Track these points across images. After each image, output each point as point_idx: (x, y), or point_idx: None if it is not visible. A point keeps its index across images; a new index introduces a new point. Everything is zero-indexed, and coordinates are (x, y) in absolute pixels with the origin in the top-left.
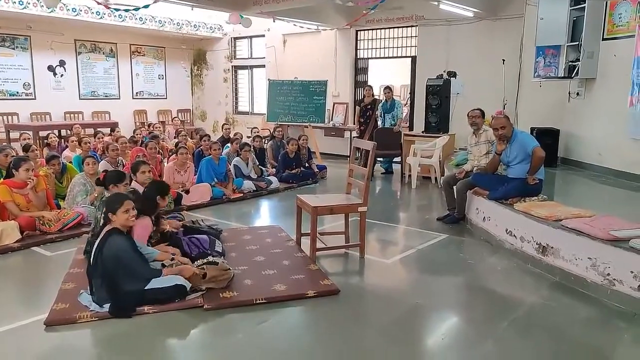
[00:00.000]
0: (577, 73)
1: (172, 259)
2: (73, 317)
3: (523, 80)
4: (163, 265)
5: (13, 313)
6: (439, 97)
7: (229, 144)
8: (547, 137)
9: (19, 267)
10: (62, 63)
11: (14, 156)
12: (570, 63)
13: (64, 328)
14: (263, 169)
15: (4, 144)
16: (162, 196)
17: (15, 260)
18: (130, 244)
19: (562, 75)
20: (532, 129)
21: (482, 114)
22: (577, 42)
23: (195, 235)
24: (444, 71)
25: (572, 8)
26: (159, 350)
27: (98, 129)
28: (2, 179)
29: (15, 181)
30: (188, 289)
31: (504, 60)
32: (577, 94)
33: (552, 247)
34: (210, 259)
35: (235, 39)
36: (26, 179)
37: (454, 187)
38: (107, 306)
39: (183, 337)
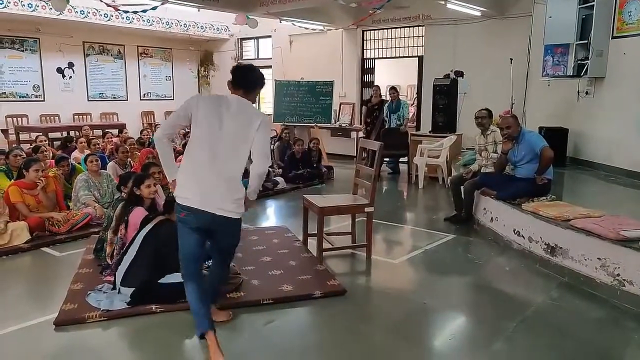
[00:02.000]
0: (586, 72)
1: None
2: (82, 317)
3: (531, 80)
4: None
5: (23, 313)
6: (446, 96)
7: None
8: (556, 136)
9: (28, 268)
10: (70, 65)
11: (24, 157)
12: (579, 62)
13: (73, 328)
14: (270, 169)
15: (13, 145)
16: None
17: (25, 260)
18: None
19: (571, 74)
20: (540, 129)
21: (490, 114)
22: (586, 41)
23: None
24: (451, 71)
25: (581, 6)
26: (166, 350)
27: (106, 130)
28: (13, 180)
29: (26, 182)
30: None
31: (511, 59)
32: (587, 92)
33: (560, 248)
34: None
35: (242, 39)
36: (36, 179)
37: (462, 187)
38: (118, 304)
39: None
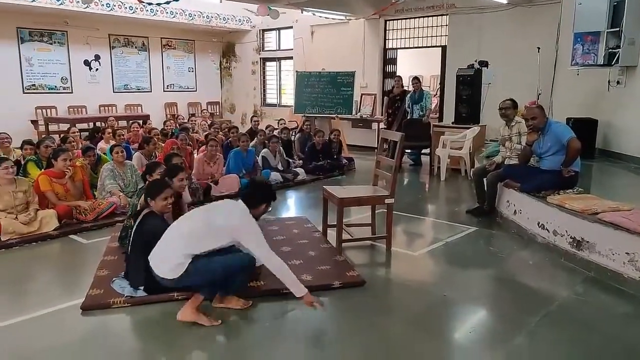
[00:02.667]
0: (617, 60)
1: None
2: (107, 302)
3: (559, 69)
4: None
5: (52, 297)
6: (469, 87)
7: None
8: (585, 127)
9: (57, 254)
10: (97, 57)
11: (53, 148)
12: (610, 50)
13: (99, 312)
14: (290, 160)
15: (43, 135)
16: (170, 177)
17: (54, 247)
18: (165, 226)
19: (602, 63)
20: (568, 119)
21: (514, 104)
22: (618, 28)
23: None
24: (475, 60)
25: None
26: (187, 335)
27: (132, 121)
28: (43, 170)
29: (55, 171)
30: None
31: (539, 48)
32: (617, 82)
33: (587, 242)
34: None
35: (264, 30)
36: (64, 168)
37: (484, 179)
38: (142, 289)
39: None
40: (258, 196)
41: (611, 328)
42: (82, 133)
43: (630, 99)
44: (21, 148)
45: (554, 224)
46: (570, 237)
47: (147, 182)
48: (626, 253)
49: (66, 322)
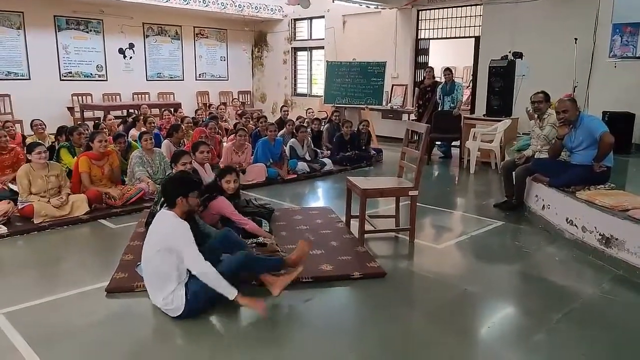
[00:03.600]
0: None
1: None
2: (130, 285)
3: (596, 61)
4: None
5: (79, 279)
6: (502, 79)
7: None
8: (621, 121)
9: (86, 238)
10: (131, 46)
11: (86, 136)
12: None
13: (123, 295)
14: (318, 151)
15: (78, 122)
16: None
17: (84, 231)
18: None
19: None
20: (604, 113)
21: (547, 97)
22: None
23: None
24: (509, 52)
25: None
26: (206, 321)
27: (164, 109)
28: (82, 152)
29: (95, 153)
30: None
31: (576, 39)
32: None
33: (616, 239)
34: (261, 239)
35: (295, 20)
36: (100, 148)
37: (513, 173)
38: None
39: (231, 310)
40: (169, 194)
41: (637, 328)
42: (115, 120)
43: None
44: (57, 135)
45: (582, 220)
46: (599, 234)
47: (172, 170)
48: None
49: (91, 303)
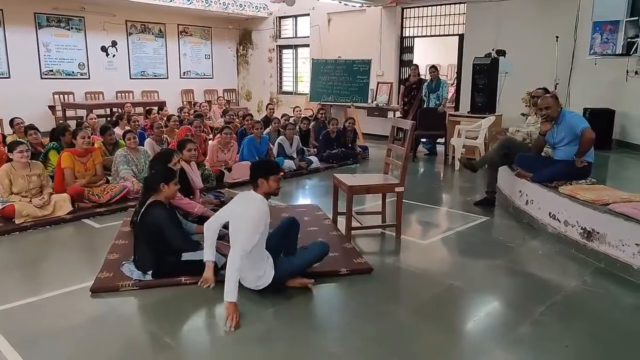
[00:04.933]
0: (636, 50)
1: None
2: (116, 285)
3: (577, 59)
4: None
5: (62, 280)
6: (485, 76)
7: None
8: (601, 118)
9: (69, 238)
10: (114, 43)
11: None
12: (629, 39)
13: (108, 295)
14: (304, 149)
15: (60, 121)
16: (166, 183)
17: (67, 230)
18: (170, 216)
19: (620, 53)
20: (585, 110)
21: (547, 93)
22: (637, 17)
23: None
24: (493, 49)
25: None
26: (195, 319)
27: (149, 108)
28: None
29: (78, 150)
30: (220, 264)
31: (557, 37)
32: (636, 72)
33: (597, 232)
34: None
35: (280, 18)
36: (83, 145)
37: (499, 170)
38: (150, 273)
39: (219, 308)
40: (254, 175)
41: (618, 319)
42: (99, 119)
43: None
44: (51, 139)
45: (565, 214)
46: (581, 228)
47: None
48: (636, 244)
49: (75, 304)
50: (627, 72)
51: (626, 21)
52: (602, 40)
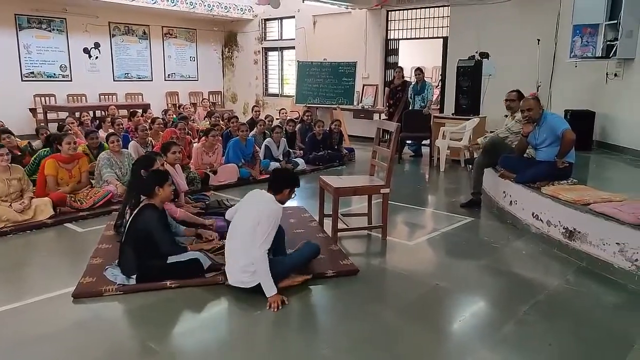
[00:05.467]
0: (615, 53)
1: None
2: (99, 290)
3: (558, 61)
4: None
5: (43, 286)
6: (469, 78)
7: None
8: (582, 119)
9: (51, 242)
10: (97, 45)
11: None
12: (608, 42)
13: (91, 300)
14: (290, 151)
15: (41, 124)
16: (161, 185)
17: (49, 235)
18: (163, 220)
19: (600, 55)
20: (566, 111)
21: (520, 96)
22: (616, 21)
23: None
24: (476, 52)
25: None
26: (180, 324)
27: (133, 110)
28: (50, 154)
29: (63, 156)
30: (205, 265)
31: (539, 40)
32: (615, 74)
33: (579, 232)
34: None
35: (266, 20)
36: (69, 151)
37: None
38: (134, 277)
39: (205, 312)
40: (280, 182)
41: (600, 316)
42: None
43: (628, 91)
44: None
45: (547, 214)
46: (563, 228)
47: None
48: (616, 243)
49: (57, 310)
50: (606, 74)
51: (605, 24)
52: (582, 44)
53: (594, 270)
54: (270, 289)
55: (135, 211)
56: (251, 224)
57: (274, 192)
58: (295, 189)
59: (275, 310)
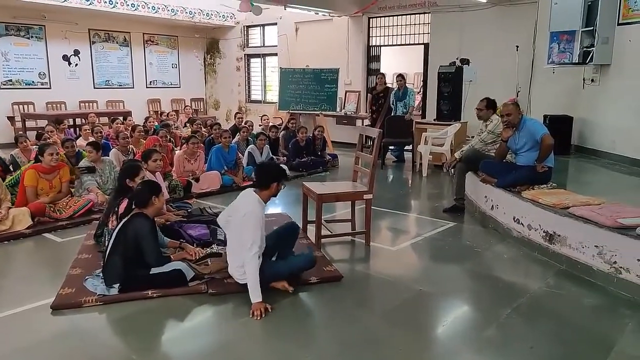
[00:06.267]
0: (591, 59)
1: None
2: (78, 301)
3: (536, 67)
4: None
5: (20, 298)
6: (450, 84)
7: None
8: (561, 124)
9: (29, 253)
10: (76, 52)
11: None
12: (585, 49)
13: (70, 312)
14: (274, 157)
15: (19, 132)
16: (156, 195)
17: (26, 246)
18: (153, 230)
19: (577, 62)
20: (545, 117)
21: (488, 104)
22: (592, 27)
23: (191, 231)
24: (457, 58)
25: None
26: (163, 334)
27: (114, 117)
28: (30, 164)
29: (44, 166)
30: (189, 277)
31: (517, 46)
32: (592, 80)
33: (559, 235)
34: (215, 247)
35: (248, 27)
36: (51, 162)
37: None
38: (116, 287)
39: (188, 321)
40: (266, 177)
41: (580, 319)
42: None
43: (604, 96)
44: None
45: (528, 218)
46: (543, 231)
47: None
48: (595, 246)
49: (34, 322)
50: (583, 80)
51: (582, 31)
52: (559, 50)
53: (573, 273)
54: (255, 295)
55: (126, 219)
56: (239, 227)
57: (260, 188)
58: (284, 179)
59: (258, 318)
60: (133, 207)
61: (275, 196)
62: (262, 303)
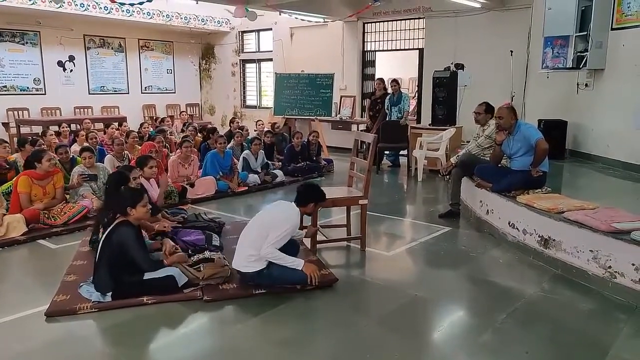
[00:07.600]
0: (585, 64)
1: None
2: (73, 308)
3: (531, 72)
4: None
5: (16, 304)
6: (445, 89)
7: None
8: (555, 129)
9: (23, 260)
10: (71, 58)
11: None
12: (579, 53)
13: (65, 319)
14: (269, 162)
15: (14, 138)
16: (133, 206)
17: (21, 252)
18: (137, 236)
19: (571, 66)
20: (539, 121)
21: (487, 109)
22: (586, 32)
23: (188, 237)
24: (452, 63)
25: None
26: (158, 340)
27: (108, 122)
28: (22, 171)
29: (38, 172)
30: (181, 283)
31: (512, 51)
32: (586, 85)
33: (554, 240)
34: (207, 254)
35: (243, 32)
36: (49, 168)
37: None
38: (109, 295)
39: (183, 328)
40: (307, 196)
41: (575, 323)
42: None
43: (598, 100)
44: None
45: (523, 223)
46: (539, 236)
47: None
48: (590, 250)
49: (29, 329)
50: (577, 84)
51: (576, 36)
52: (553, 55)
53: (569, 278)
54: (296, 264)
55: (110, 228)
56: (265, 225)
57: (298, 204)
58: (321, 203)
59: (316, 281)
60: (117, 215)
61: (310, 215)
62: (310, 264)
